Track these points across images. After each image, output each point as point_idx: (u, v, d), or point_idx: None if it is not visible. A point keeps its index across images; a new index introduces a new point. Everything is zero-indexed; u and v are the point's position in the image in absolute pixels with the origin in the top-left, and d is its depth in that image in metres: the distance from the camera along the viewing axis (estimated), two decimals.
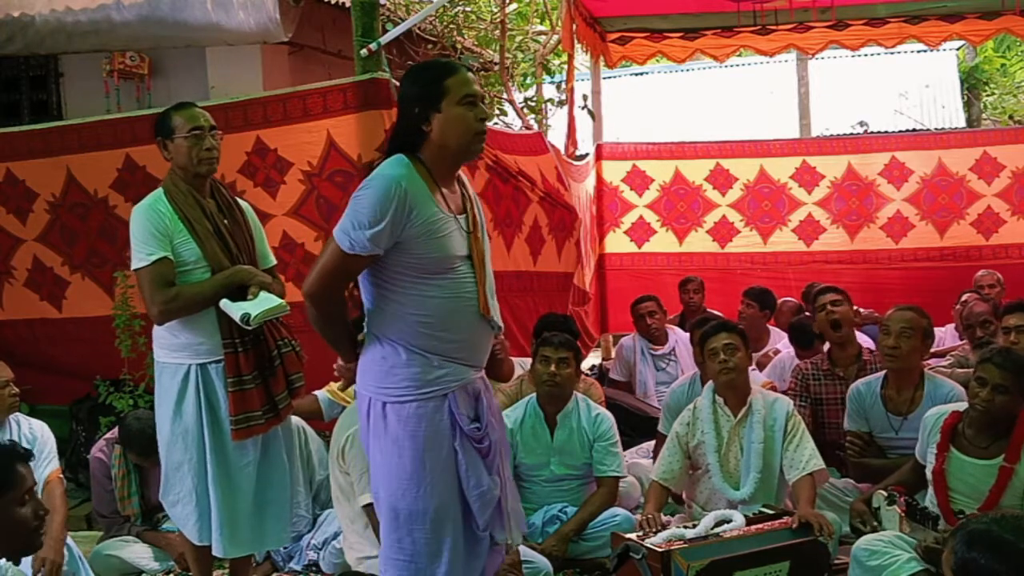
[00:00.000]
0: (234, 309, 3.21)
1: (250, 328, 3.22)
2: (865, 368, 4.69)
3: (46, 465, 4.01)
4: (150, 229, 3.25)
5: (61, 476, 4.08)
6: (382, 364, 2.64)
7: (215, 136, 3.38)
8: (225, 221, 3.39)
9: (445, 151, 2.64)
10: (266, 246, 3.60)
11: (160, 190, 3.37)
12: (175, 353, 3.34)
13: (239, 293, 3.29)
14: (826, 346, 4.95)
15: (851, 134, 13.10)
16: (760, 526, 3.60)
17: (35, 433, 4.06)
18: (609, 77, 10.89)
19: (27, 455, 2.35)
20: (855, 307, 5.20)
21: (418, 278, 2.60)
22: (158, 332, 3.37)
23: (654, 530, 3.60)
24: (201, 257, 3.28)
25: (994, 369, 3.38)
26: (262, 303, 3.23)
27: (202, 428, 3.32)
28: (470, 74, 2.67)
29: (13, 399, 4.00)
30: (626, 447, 4.77)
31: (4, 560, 2.26)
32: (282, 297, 3.37)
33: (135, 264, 3.29)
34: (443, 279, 2.62)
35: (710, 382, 4.22)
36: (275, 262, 3.64)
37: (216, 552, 3.42)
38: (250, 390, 3.29)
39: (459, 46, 9.83)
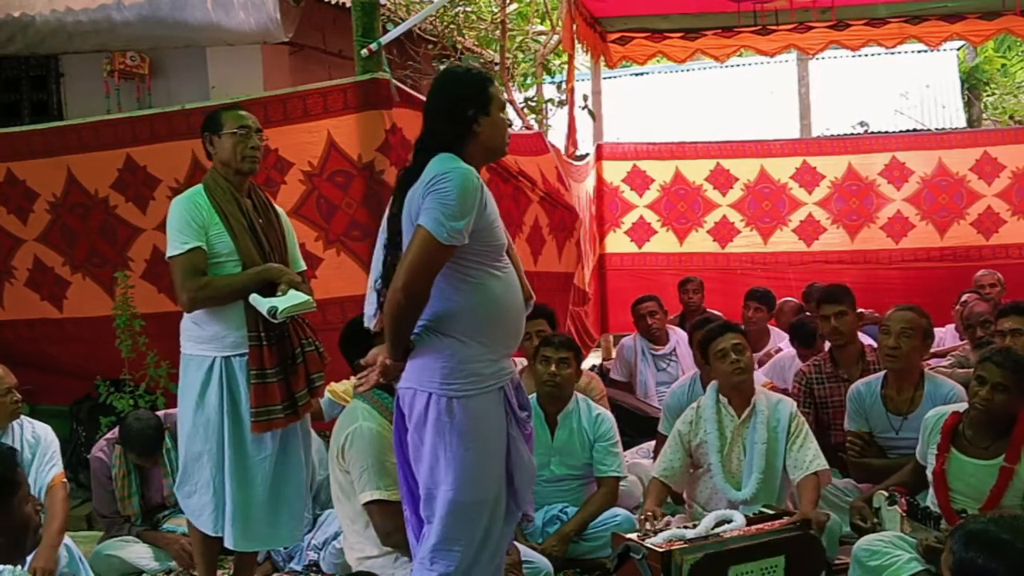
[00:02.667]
0: (262, 303, 3.27)
1: (276, 321, 3.28)
2: (868, 368, 4.67)
3: (49, 469, 4.00)
4: (186, 219, 3.33)
5: (64, 481, 4.05)
6: (449, 360, 2.75)
7: (260, 137, 3.48)
8: (260, 220, 3.47)
9: (487, 151, 2.89)
10: (297, 250, 3.68)
11: (200, 185, 3.46)
12: (201, 345, 3.39)
13: (268, 289, 3.34)
14: (827, 345, 4.94)
15: (851, 134, 13.09)
16: (760, 526, 3.59)
17: (38, 436, 4.05)
18: (609, 77, 10.88)
19: (16, 452, 2.39)
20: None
21: (487, 266, 2.79)
22: (185, 325, 3.43)
23: (656, 525, 3.63)
24: (234, 251, 3.36)
25: (994, 368, 3.38)
26: (290, 299, 3.30)
27: (223, 420, 3.36)
28: None
29: (15, 405, 3.98)
30: (626, 447, 4.77)
31: (7, 565, 2.28)
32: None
33: (169, 252, 3.36)
34: (500, 266, 2.82)
35: (714, 382, 4.22)
36: (305, 267, 3.72)
37: (228, 544, 3.45)
38: (272, 384, 3.34)
39: (459, 46, 9.84)
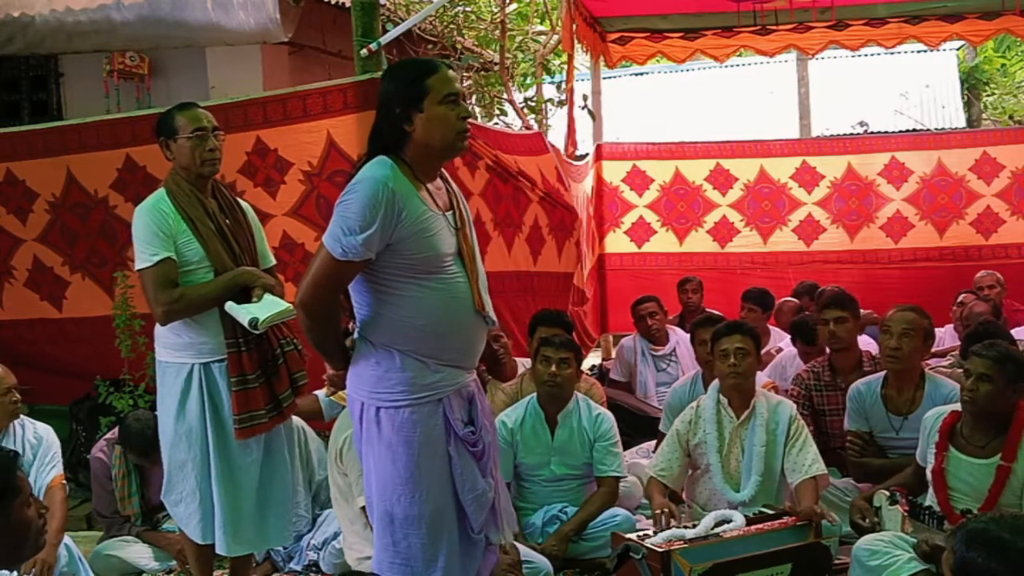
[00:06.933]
0: (241, 313, 3.21)
1: (257, 332, 3.23)
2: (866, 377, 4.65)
3: (49, 470, 4.00)
4: (153, 229, 3.25)
5: (64, 483, 4.06)
6: (376, 369, 2.64)
7: (218, 136, 3.38)
8: (227, 221, 3.40)
9: (429, 150, 2.63)
10: (266, 246, 3.60)
11: (162, 190, 3.37)
12: (178, 352, 3.34)
13: (243, 295, 3.29)
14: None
15: (851, 134, 13.10)
16: (760, 526, 3.60)
17: (40, 437, 4.04)
18: (609, 77, 10.88)
19: (18, 456, 2.36)
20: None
21: (410, 279, 2.60)
22: (160, 332, 3.37)
23: (675, 521, 3.65)
24: (204, 257, 3.29)
25: (976, 359, 3.40)
26: (268, 307, 3.24)
27: (205, 427, 3.32)
28: (451, 72, 2.65)
29: (14, 405, 3.97)
30: (626, 447, 4.77)
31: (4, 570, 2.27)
32: (282, 297, 3.37)
33: (139, 265, 3.28)
34: (435, 279, 2.62)
35: (715, 381, 4.22)
36: (275, 262, 3.64)
37: (220, 550, 3.43)
38: (254, 389, 3.30)
39: (459, 46, 9.83)
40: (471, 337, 2.73)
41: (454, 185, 2.81)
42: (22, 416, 4.09)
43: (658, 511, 3.80)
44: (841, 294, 4.94)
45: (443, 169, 2.77)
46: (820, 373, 4.71)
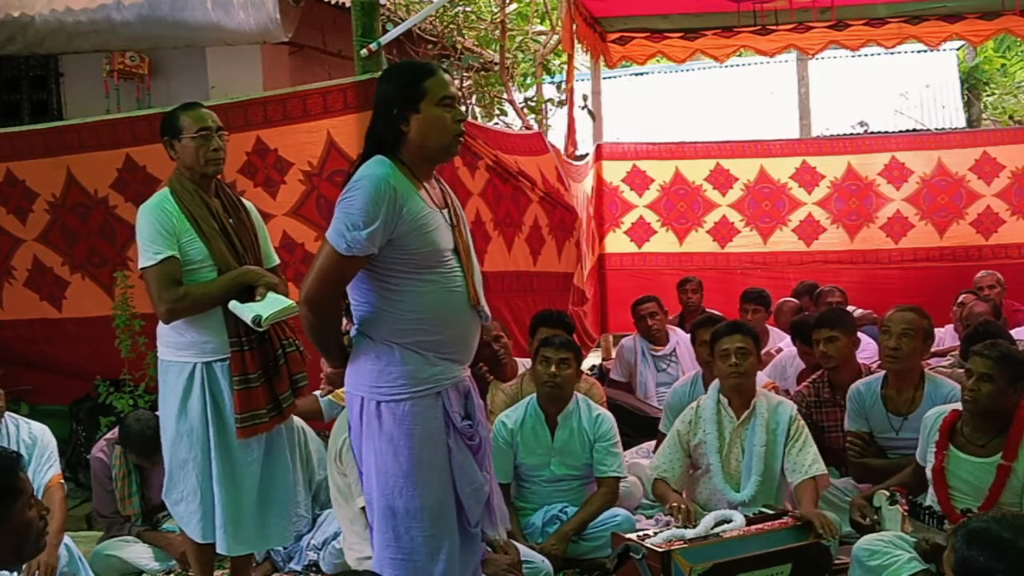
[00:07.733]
0: (245, 311, 3.22)
1: (261, 330, 3.23)
2: None
3: (47, 470, 4.00)
4: (157, 228, 3.26)
5: (62, 482, 4.06)
6: (376, 363, 2.67)
7: (222, 136, 3.40)
8: (231, 220, 3.41)
9: (424, 151, 2.68)
10: (270, 245, 3.62)
11: (166, 189, 3.38)
12: (181, 351, 3.34)
13: (246, 293, 3.30)
14: None
15: (851, 134, 13.10)
16: (760, 526, 3.60)
17: (35, 437, 4.04)
18: (609, 77, 10.89)
19: (21, 458, 2.35)
20: (850, 307, 5.06)
21: (411, 274, 2.64)
22: (163, 330, 3.38)
23: (690, 515, 3.68)
24: (208, 256, 3.30)
25: (978, 359, 3.41)
26: (272, 305, 3.25)
27: (207, 426, 3.33)
28: (447, 75, 2.70)
29: None
30: (626, 447, 4.77)
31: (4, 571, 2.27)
32: (285, 296, 3.38)
33: (142, 263, 3.29)
34: (435, 273, 2.67)
35: (716, 381, 4.22)
36: (278, 261, 3.66)
37: (220, 550, 3.43)
38: (255, 388, 3.31)
39: (459, 46, 9.83)
40: (467, 331, 2.78)
41: (445, 184, 2.86)
42: (17, 416, 4.09)
43: (675, 504, 3.82)
44: (830, 313, 4.83)
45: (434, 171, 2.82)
46: (820, 389, 4.64)
